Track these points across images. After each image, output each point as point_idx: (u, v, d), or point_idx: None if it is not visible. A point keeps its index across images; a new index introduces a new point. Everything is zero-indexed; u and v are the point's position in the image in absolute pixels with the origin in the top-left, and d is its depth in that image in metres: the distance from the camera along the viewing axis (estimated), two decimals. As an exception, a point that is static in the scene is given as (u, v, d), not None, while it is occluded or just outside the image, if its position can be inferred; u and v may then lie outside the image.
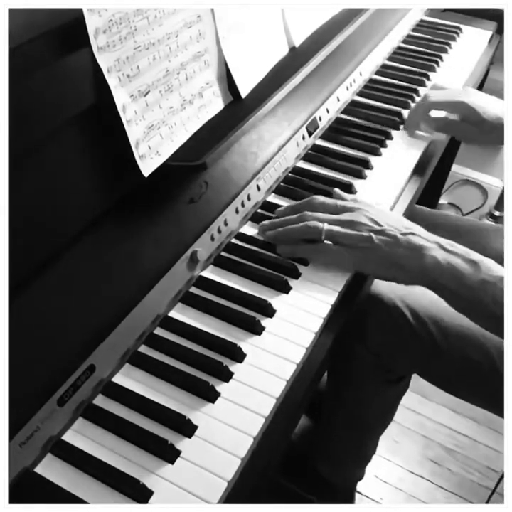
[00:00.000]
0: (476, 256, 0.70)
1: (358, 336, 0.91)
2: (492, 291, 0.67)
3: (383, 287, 0.89)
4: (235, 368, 0.64)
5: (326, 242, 0.75)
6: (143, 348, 0.65)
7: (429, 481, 1.39)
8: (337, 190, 0.83)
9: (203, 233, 0.73)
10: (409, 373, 1.05)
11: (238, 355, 0.65)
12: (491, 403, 0.87)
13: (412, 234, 0.72)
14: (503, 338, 0.64)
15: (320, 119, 0.99)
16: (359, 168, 0.94)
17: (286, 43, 0.95)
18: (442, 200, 2.08)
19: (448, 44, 1.33)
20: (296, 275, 0.75)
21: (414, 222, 1.02)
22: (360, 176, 0.93)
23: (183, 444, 0.57)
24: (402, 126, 1.05)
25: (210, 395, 0.61)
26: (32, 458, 0.54)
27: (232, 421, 0.59)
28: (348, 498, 1.28)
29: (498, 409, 0.85)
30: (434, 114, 1.01)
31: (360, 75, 1.14)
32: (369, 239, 0.72)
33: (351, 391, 1.06)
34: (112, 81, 0.63)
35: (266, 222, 0.80)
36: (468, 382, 0.88)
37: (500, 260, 0.73)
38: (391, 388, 1.04)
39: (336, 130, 1.03)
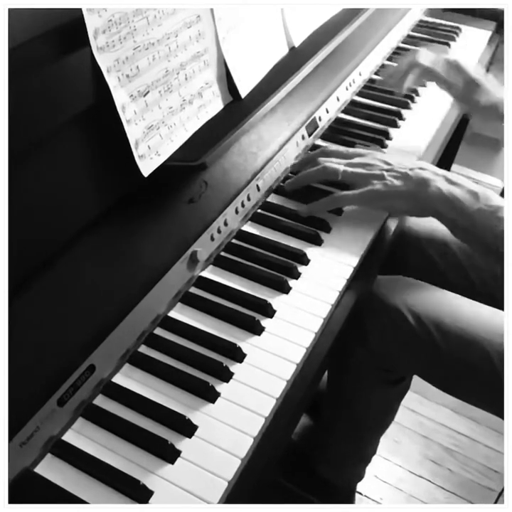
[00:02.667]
0: (477, 187, 0.75)
1: (358, 337, 0.91)
2: (488, 219, 0.71)
3: (384, 288, 0.89)
4: (234, 368, 0.64)
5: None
6: (143, 348, 0.65)
7: (429, 481, 1.39)
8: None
9: (203, 233, 0.73)
10: (409, 375, 1.05)
11: (238, 355, 0.65)
12: (491, 405, 0.87)
13: (421, 168, 0.78)
14: (503, 273, 0.66)
15: (320, 119, 0.99)
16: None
17: (285, 43, 0.95)
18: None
19: (447, 44, 1.34)
20: (296, 275, 0.75)
21: (413, 225, 1.03)
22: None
23: (183, 444, 0.57)
24: (403, 121, 1.05)
25: (210, 395, 0.61)
26: (32, 458, 0.54)
27: (232, 421, 0.59)
28: (348, 498, 1.28)
29: (498, 410, 0.85)
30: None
31: (360, 75, 1.14)
32: (381, 176, 0.79)
33: (351, 392, 1.06)
34: (111, 81, 0.63)
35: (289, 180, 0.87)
36: (468, 384, 0.87)
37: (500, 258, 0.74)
38: (391, 389, 1.04)
39: (336, 130, 1.03)
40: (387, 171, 0.79)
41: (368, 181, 0.79)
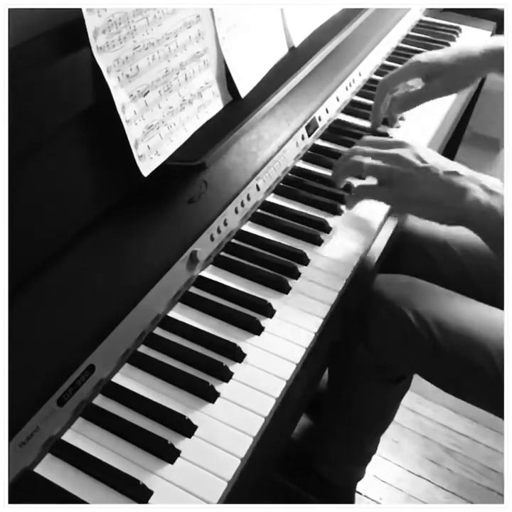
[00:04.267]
0: None
1: (359, 336, 0.91)
2: None
3: (385, 287, 0.89)
4: (234, 367, 0.64)
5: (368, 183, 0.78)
6: (142, 348, 0.65)
7: (428, 481, 1.39)
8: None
9: (203, 233, 0.73)
10: (410, 374, 1.05)
11: (238, 355, 0.65)
12: (492, 405, 0.87)
13: (457, 174, 0.71)
14: (503, 273, 0.64)
15: (319, 119, 0.99)
16: (358, 168, 0.94)
17: (285, 43, 0.95)
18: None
19: (447, 44, 1.33)
20: (296, 275, 0.75)
21: (413, 225, 1.03)
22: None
23: (182, 444, 0.57)
24: (403, 121, 1.06)
25: (210, 395, 0.61)
26: (32, 458, 0.54)
27: (232, 421, 0.59)
28: (348, 497, 1.28)
29: (498, 410, 0.85)
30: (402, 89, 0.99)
31: (360, 75, 1.14)
32: (408, 175, 0.72)
33: (352, 391, 1.06)
34: (111, 81, 0.63)
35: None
36: (469, 384, 0.87)
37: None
38: (392, 388, 1.04)
39: (336, 130, 1.03)
40: (418, 169, 0.72)
41: (395, 178, 0.73)
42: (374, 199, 0.78)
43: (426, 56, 0.94)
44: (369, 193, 0.78)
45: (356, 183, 0.88)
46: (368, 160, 0.76)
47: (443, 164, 0.73)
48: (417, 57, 0.94)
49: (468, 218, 0.70)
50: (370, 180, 0.81)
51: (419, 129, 1.05)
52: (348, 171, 0.81)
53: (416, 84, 0.97)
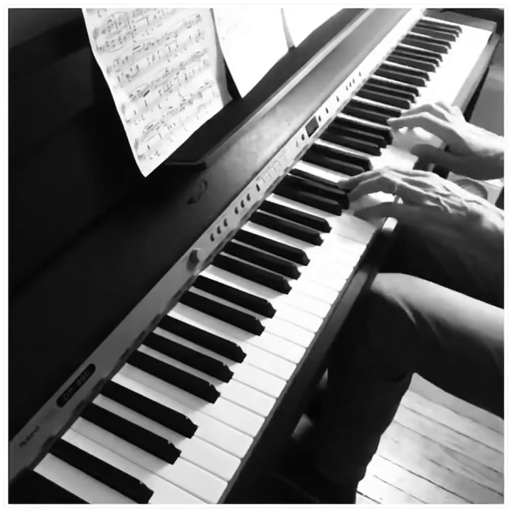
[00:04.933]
0: None
1: (358, 335, 0.91)
2: None
3: (385, 286, 0.89)
4: (234, 367, 0.64)
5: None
6: (142, 348, 0.65)
7: (429, 481, 1.39)
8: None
9: (203, 233, 0.73)
10: (409, 372, 1.05)
11: (238, 355, 0.65)
12: (491, 404, 0.87)
13: (477, 202, 0.77)
14: (503, 272, 0.66)
15: (319, 119, 0.99)
16: (358, 168, 0.94)
17: (285, 43, 0.95)
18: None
19: (447, 44, 1.33)
20: (296, 275, 0.75)
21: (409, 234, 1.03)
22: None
23: (182, 444, 0.57)
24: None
25: (210, 395, 0.61)
26: (32, 458, 0.54)
27: (232, 421, 0.59)
28: (349, 497, 1.27)
29: (498, 409, 0.85)
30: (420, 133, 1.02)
31: (360, 74, 1.14)
32: (436, 200, 0.78)
33: (352, 389, 1.06)
34: (111, 81, 0.63)
35: (345, 180, 0.89)
36: (468, 383, 0.87)
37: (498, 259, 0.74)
38: (391, 387, 1.04)
39: (336, 130, 1.03)
40: (443, 195, 0.78)
41: (422, 201, 0.79)
42: (399, 217, 0.83)
43: (461, 132, 0.95)
44: (396, 210, 0.83)
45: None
46: (398, 180, 0.81)
47: (463, 194, 0.79)
48: (454, 128, 0.95)
49: (486, 243, 0.76)
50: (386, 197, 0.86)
51: (420, 129, 1.05)
52: (377, 188, 0.84)
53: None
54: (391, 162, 0.97)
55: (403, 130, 1.04)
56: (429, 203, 0.78)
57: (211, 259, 0.76)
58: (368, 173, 0.87)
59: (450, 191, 0.79)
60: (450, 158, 0.98)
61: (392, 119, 1.04)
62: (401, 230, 0.89)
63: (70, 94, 0.61)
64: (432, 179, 0.81)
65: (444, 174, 1.60)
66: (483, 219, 0.76)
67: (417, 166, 0.98)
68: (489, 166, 0.95)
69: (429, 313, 0.85)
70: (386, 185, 0.82)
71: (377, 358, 0.93)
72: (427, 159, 1.00)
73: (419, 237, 1.03)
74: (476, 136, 0.96)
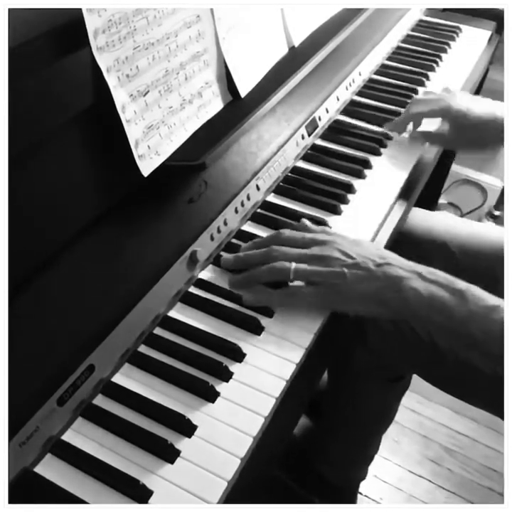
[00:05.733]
0: (461, 284, 0.65)
1: (358, 336, 0.91)
2: (482, 323, 0.61)
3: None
4: (234, 367, 0.64)
5: (295, 283, 0.69)
6: (142, 348, 0.65)
7: (429, 480, 1.39)
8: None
9: (203, 233, 0.73)
10: (409, 373, 1.05)
11: (238, 355, 0.65)
12: (491, 405, 0.87)
13: (388, 264, 0.66)
14: (502, 380, 0.56)
15: (319, 119, 0.99)
16: (359, 167, 0.94)
17: (285, 43, 0.95)
18: (442, 200, 2.08)
19: (447, 44, 1.33)
20: (296, 275, 0.75)
21: (414, 223, 1.03)
22: (360, 176, 0.93)
23: (182, 443, 0.57)
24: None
25: (210, 395, 0.61)
26: (32, 458, 0.54)
27: (232, 421, 0.59)
28: (350, 498, 1.27)
29: (497, 410, 0.85)
30: (425, 123, 1.02)
31: (360, 74, 1.14)
32: (341, 275, 0.66)
33: (351, 391, 1.06)
34: (111, 81, 0.63)
35: (228, 256, 0.73)
36: (467, 384, 0.87)
37: (497, 257, 0.73)
38: (391, 388, 1.04)
39: (336, 130, 1.03)
40: (348, 266, 0.66)
41: (327, 280, 0.67)
42: (306, 306, 0.69)
43: (458, 104, 0.94)
44: (300, 298, 0.69)
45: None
46: (293, 265, 0.68)
47: (371, 256, 0.68)
48: (448, 103, 0.95)
49: (412, 311, 0.65)
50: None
51: (420, 128, 1.05)
52: (268, 278, 0.70)
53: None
54: (392, 162, 0.97)
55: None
56: (334, 281, 0.66)
57: (211, 259, 0.76)
58: (252, 253, 0.72)
59: (355, 259, 0.67)
60: (452, 136, 0.96)
61: (387, 125, 1.04)
62: (400, 231, 0.89)
63: (70, 94, 0.61)
64: (331, 247, 0.69)
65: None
66: (401, 284, 0.65)
67: (420, 160, 0.98)
68: (495, 129, 0.92)
69: None
70: (279, 275, 0.69)
71: (376, 359, 0.93)
72: (431, 143, 0.99)
73: (418, 239, 1.03)
74: (477, 103, 0.95)
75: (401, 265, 0.67)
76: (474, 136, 0.96)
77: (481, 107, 0.95)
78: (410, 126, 1.03)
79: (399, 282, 0.65)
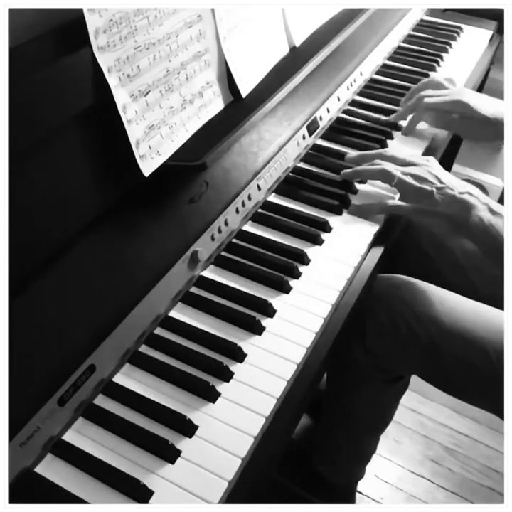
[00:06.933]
0: None
1: (357, 337, 0.91)
2: None
3: (383, 287, 0.89)
4: (235, 367, 0.64)
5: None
6: (143, 348, 0.65)
7: (429, 480, 1.39)
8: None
9: (204, 233, 0.73)
10: (408, 374, 1.05)
11: (238, 355, 0.65)
12: (491, 404, 0.87)
13: (469, 193, 0.80)
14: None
15: (320, 119, 0.99)
16: (359, 167, 0.94)
17: (286, 43, 0.95)
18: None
19: (448, 44, 1.33)
20: (297, 275, 0.75)
21: (415, 223, 1.03)
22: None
23: (183, 444, 0.57)
24: (401, 129, 1.05)
25: (211, 395, 0.61)
26: (32, 458, 0.54)
27: (233, 421, 0.59)
28: (348, 497, 1.28)
29: (497, 410, 0.85)
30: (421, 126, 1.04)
31: (361, 74, 1.13)
32: (430, 193, 0.81)
33: (350, 391, 1.06)
34: (112, 81, 0.63)
35: (352, 154, 0.92)
36: (467, 384, 0.87)
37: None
38: (390, 387, 1.04)
39: (337, 130, 1.03)
40: (437, 189, 0.81)
41: (418, 195, 0.81)
42: (399, 213, 0.86)
43: (468, 99, 0.99)
44: (396, 209, 0.84)
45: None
46: (398, 173, 0.83)
47: (456, 184, 0.82)
48: (463, 97, 0.99)
49: (471, 232, 0.80)
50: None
51: (421, 128, 1.05)
52: (376, 177, 0.86)
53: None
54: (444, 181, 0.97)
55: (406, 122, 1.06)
56: (423, 196, 0.81)
57: (212, 259, 0.76)
58: (370, 153, 0.90)
59: (444, 184, 0.81)
60: (464, 124, 1.00)
61: (392, 116, 1.06)
62: (401, 232, 0.90)
63: (71, 94, 0.61)
64: (427, 170, 0.83)
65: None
66: (472, 211, 0.79)
67: (424, 155, 0.98)
68: (498, 125, 0.97)
69: (426, 314, 0.85)
70: (385, 177, 0.84)
71: (375, 359, 0.93)
72: (445, 127, 1.04)
73: (418, 239, 1.03)
74: (482, 102, 0.99)
75: (478, 196, 0.81)
76: (481, 130, 0.99)
77: (488, 105, 0.98)
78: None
79: (470, 209, 0.79)
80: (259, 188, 0.83)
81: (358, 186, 0.91)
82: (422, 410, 1.52)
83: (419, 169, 0.83)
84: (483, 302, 0.88)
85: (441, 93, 1.01)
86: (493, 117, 0.97)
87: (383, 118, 1.07)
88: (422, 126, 1.04)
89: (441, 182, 0.82)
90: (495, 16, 1.45)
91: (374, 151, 0.90)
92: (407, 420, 1.49)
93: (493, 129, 0.98)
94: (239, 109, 0.80)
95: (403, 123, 1.06)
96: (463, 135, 1.09)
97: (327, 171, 0.93)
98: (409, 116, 1.04)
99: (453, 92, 1.00)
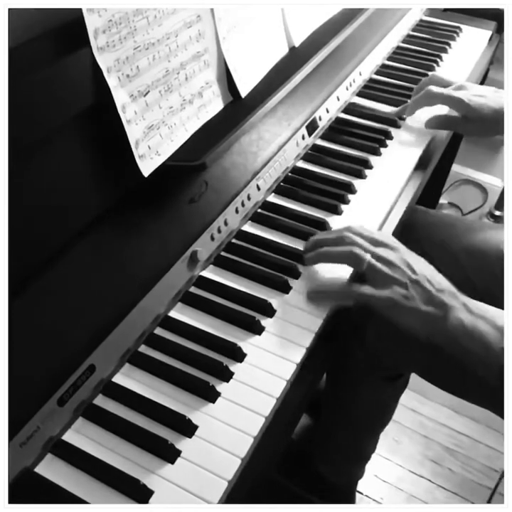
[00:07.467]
0: (502, 322, 0.68)
1: (355, 336, 0.91)
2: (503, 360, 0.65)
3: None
4: (235, 367, 0.64)
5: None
6: (143, 348, 0.65)
7: (429, 480, 1.39)
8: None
9: (203, 233, 0.73)
10: (407, 372, 1.05)
11: (238, 355, 0.65)
12: (491, 403, 0.87)
13: (447, 292, 0.70)
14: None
15: (320, 119, 0.99)
16: (359, 167, 0.94)
17: (286, 43, 0.95)
18: (442, 200, 2.08)
19: (448, 44, 1.33)
20: (297, 275, 0.75)
21: (415, 223, 1.03)
22: (360, 176, 0.93)
23: (183, 443, 0.57)
24: (404, 121, 1.06)
25: (210, 395, 0.61)
26: (32, 458, 0.54)
27: (233, 421, 0.59)
28: (348, 497, 1.28)
29: (496, 408, 0.85)
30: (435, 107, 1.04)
31: (360, 74, 1.13)
32: (404, 285, 0.69)
33: (350, 390, 1.06)
34: (111, 81, 0.63)
35: (312, 238, 0.77)
36: (466, 382, 0.87)
37: (499, 257, 0.73)
38: (389, 386, 1.04)
39: (336, 130, 1.03)
40: (411, 281, 0.70)
41: (390, 285, 0.70)
42: (367, 302, 0.72)
43: (469, 99, 0.98)
44: (363, 296, 0.71)
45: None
46: (370, 258, 0.71)
47: (431, 279, 0.71)
48: (462, 96, 0.98)
49: (448, 337, 0.69)
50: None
51: (421, 129, 1.05)
52: (342, 261, 0.74)
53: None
54: (392, 162, 0.97)
55: (410, 120, 1.06)
56: (396, 288, 0.69)
57: (212, 259, 0.76)
58: (330, 236, 0.76)
59: (418, 275, 0.70)
60: (464, 123, 0.99)
61: (397, 109, 1.06)
62: (399, 238, 0.89)
63: (71, 94, 0.61)
64: (399, 256, 0.72)
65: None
66: (449, 313, 0.68)
67: (421, 160, 0.99)
68: (499, 122, 0.96)
69: None
70: (354, 261, 0.71)
71: (373, 358, 0.93)
72: (443, 127, 1.02)
73: (417, 239, 1.03)
74: (483, 99, 0.98)
75: (459, 297, 0.70)
76: (482, 127, 0.99)
77: (488, 102, 0.98)
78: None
79: (447, 311, 0.68)
80: (258, 188, 0.83)
81: (357, 186, 0.91)
82: (421, 410, 1.52)
83: (391, 254, 0.72)
84: (483, 302, 0.88)
85: (445, 90, 1.01)
86: (494, 114, 0.96)
87: (387, 110, 1.08)
88: (421, 126, 1.04)
89: (414, 272, 0.70)
90: (494, 16, 1.45)
91: (338, 229, 0.76)
92: (407, 420, 1.49)
93: (494, 126, 0.97)
94: (238, 109, 0.80)
95: (403, 122, 1.06)
96: (465, 134, 1.07)
97: (326, 170, 0.93)
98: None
99: (456, 88, 1.01)
